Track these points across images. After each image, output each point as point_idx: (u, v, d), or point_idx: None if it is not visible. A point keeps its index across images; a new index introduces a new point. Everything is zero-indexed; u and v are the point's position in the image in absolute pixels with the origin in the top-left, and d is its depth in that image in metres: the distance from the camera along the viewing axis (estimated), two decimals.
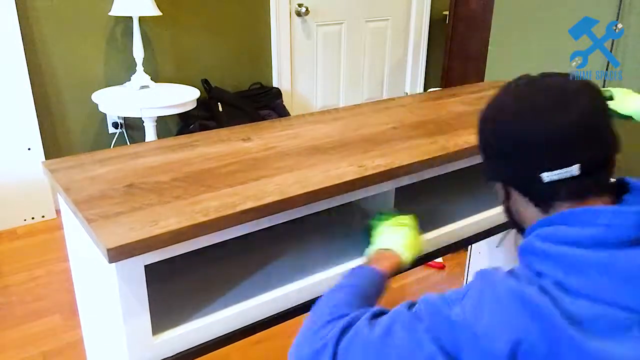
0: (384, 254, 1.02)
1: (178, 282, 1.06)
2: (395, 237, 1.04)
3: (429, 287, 2.22)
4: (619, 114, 1.25)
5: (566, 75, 0.78)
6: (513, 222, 0.86)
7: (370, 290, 0.91)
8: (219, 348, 0.97)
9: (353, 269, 0.96)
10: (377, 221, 1.10)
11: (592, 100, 0.74)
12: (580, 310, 0.65)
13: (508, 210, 0.86)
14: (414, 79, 4.10)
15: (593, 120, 0.73)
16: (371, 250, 1.05)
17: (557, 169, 0.72)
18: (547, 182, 0.73)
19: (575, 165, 0.71)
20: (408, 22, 3.95)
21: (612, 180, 0.77)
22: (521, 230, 0.84)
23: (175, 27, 2.94)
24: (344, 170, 1.06)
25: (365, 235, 1.12)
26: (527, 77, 0.80)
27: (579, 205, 0.73)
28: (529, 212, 0.79)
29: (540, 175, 0.73)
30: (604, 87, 2.09)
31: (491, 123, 0.80)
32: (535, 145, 0.73)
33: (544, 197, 0.75)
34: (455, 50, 3.83)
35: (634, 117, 1.25)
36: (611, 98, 1.30)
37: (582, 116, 0.72)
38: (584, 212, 0.71)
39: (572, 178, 0.72)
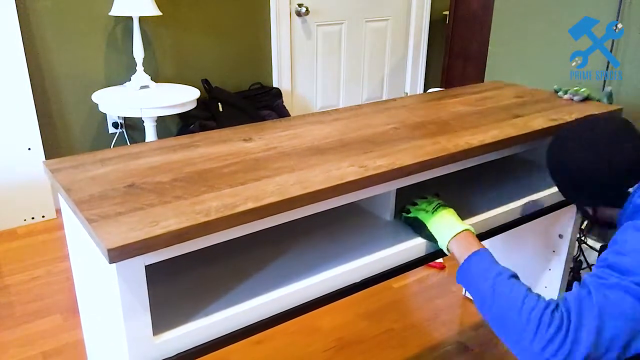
0: (462, 237, 1.10)
1: (178, 282, 1.06)
2: (449, 219, 1.14)
3: (429, 287, 2.22)
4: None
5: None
6: (601, 226, 1.18)
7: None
8: (220, 348, 0.97)
9: (471, 270, 1.03)
10: (416, 214, 1.20)
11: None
12: None
13: (595, 219, 1.17)
14: (414, 79, 4.10)
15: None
16: (447, 241, 1.11)
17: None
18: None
19: None
20: (408, 22, 3.95)
21: None
22: (606, 225, 1.14)
23: (175, 27, 2.94)
24: (345, 170, 1.06)
25: (406, 227, 1.24)
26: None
27: None
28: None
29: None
30: (603, 86, 2.09)
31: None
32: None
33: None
34: (455, 50, 3.83)
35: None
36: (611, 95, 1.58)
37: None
38: None
39: None
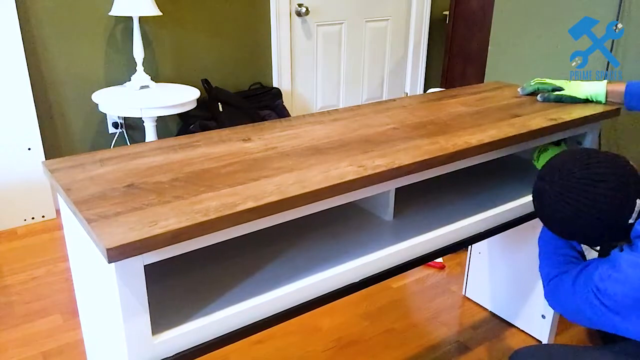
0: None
1: (178, 282, 1.06)
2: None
3: (429, 287, 2.22)
4: (575, 98, 1.58)
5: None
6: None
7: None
8: (219, 348, 0.97)
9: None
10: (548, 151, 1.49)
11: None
12: None
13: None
14: (414, 79, 4.10)
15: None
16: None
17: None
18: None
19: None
20: (408, 22, 3.95)
21: None
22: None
23: (175, 27, 2.94)
24: (344, 170, 1.07)
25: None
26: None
27: None
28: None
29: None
30: None
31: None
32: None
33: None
34: (455, 50, 3.83)
35: (591, 98, 1.57)
36: (561, 88, 1.60)
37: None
38: None
39: None
